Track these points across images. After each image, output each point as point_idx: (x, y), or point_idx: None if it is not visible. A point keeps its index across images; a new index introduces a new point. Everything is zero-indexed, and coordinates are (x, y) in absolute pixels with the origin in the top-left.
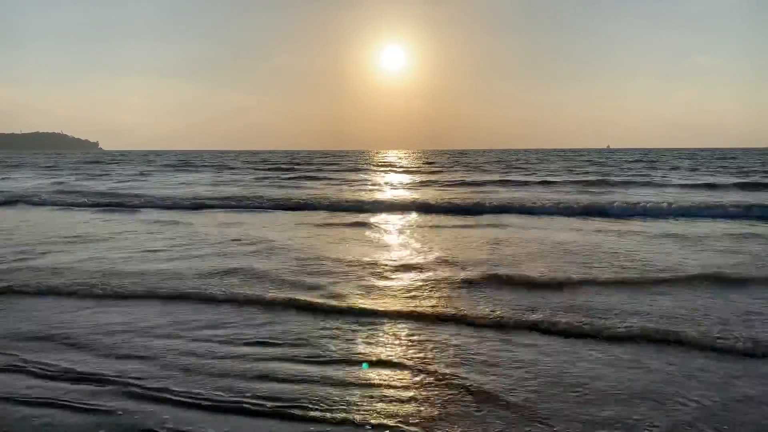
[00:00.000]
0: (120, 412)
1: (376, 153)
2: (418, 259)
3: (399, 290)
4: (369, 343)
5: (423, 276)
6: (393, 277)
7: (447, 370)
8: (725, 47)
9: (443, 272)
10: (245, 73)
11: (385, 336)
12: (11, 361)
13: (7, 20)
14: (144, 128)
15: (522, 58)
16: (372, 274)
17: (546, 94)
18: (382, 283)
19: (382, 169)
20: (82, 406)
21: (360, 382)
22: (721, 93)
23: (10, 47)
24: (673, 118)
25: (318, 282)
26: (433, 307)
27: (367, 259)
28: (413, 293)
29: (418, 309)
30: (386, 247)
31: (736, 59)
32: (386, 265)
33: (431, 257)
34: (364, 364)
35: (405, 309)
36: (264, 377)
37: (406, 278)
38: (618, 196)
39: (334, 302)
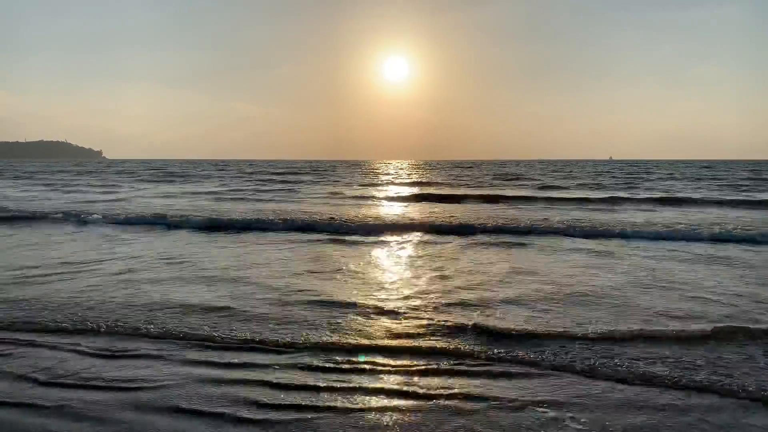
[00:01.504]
0: None
1: (377, 163)
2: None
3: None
4: None
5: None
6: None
7: None
8: (727, 58)
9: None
10: (248, 82)
11: None
12: None
13: (12, 30)
14: (147, 137)
15: (524, 68)
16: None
17: (548, 105)
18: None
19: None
20: None
21: None
22: (724, 104)
23: (15, 56)
24: (675, 129)
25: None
26: None
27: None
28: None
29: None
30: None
31: (738, 69)
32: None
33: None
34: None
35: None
36: None
37: None
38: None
39: None
